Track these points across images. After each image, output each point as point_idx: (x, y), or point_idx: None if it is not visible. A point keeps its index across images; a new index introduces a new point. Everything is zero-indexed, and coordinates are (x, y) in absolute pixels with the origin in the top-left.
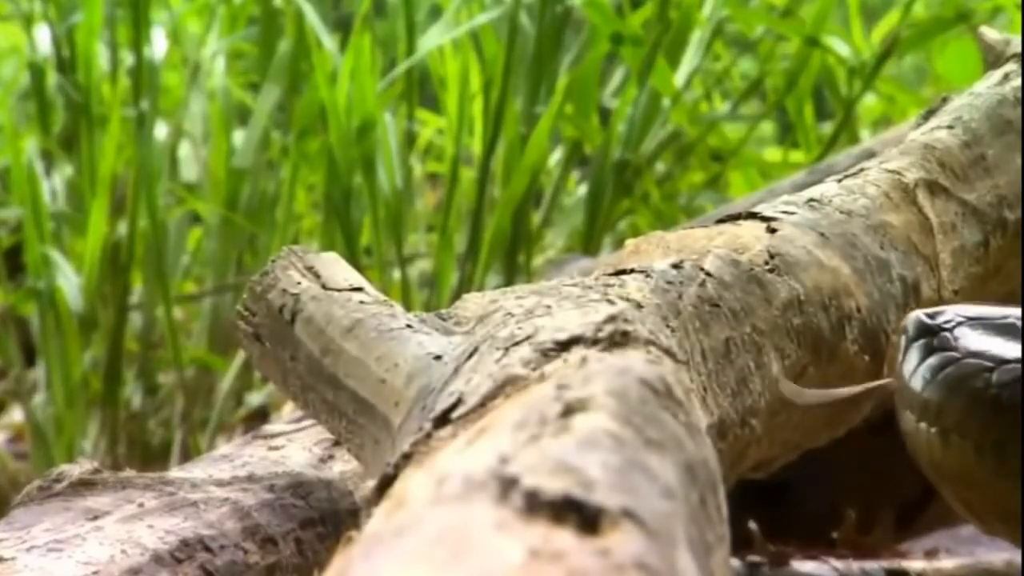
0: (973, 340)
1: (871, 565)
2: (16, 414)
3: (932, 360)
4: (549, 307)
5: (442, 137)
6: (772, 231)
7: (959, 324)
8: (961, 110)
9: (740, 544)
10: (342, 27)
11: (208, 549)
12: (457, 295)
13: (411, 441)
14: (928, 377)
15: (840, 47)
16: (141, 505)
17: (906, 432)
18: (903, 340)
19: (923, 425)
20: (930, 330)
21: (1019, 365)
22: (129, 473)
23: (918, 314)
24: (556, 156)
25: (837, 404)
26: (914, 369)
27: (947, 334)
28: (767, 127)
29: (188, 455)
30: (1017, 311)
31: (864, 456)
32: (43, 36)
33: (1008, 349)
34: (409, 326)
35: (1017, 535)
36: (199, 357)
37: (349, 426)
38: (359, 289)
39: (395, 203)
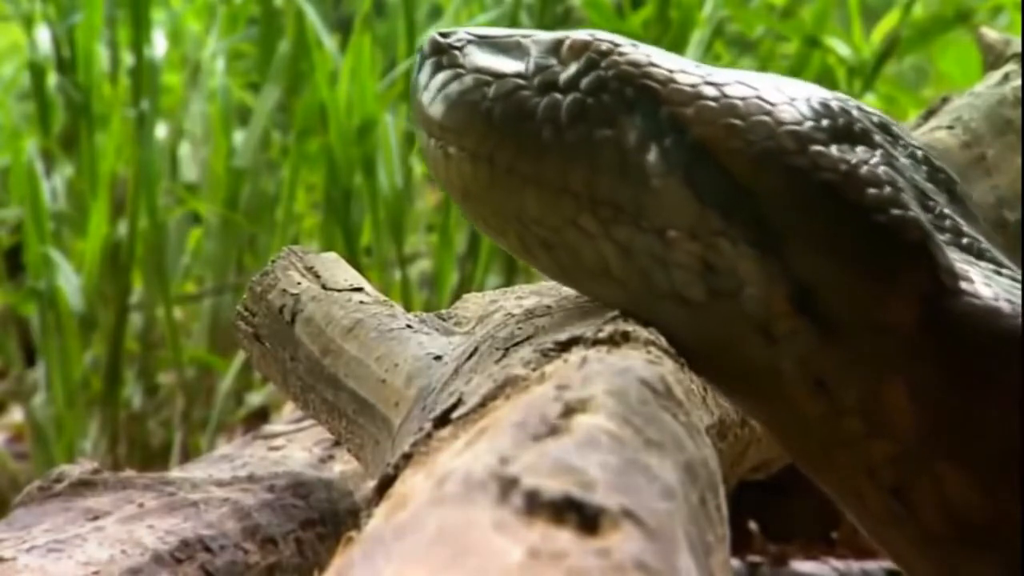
0: (479, 57)
1: (871, 565)
2: (16, 414)
3: (439, 77)
4: (549, 307)
5: None
6: None
7: (469, 43)
8: (961, 110)
9: (740, 544)
10: (342, 27)
11: (208, 549)
12: (457, 295)
13: (411, 441)
14: (434, 93)
15: (840, 47)
16: (141, 505)
17: (423, 151)
18: (418, 58)
19: (432, 142)
20: (440, 48)
21: (518, 80)
22: (129, 473)
23: (432, 33)
24: None
25: None
26: (424, 86)
27: (456, 52)
28: None
29: (188, 455)
30: (519, 31)
31: None
32: (43, 36)
33: (507, 65)
34: (409, 326)
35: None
36: (199, 357)
37: (349, 426)
38: (359, 289)
39: (395, 203)
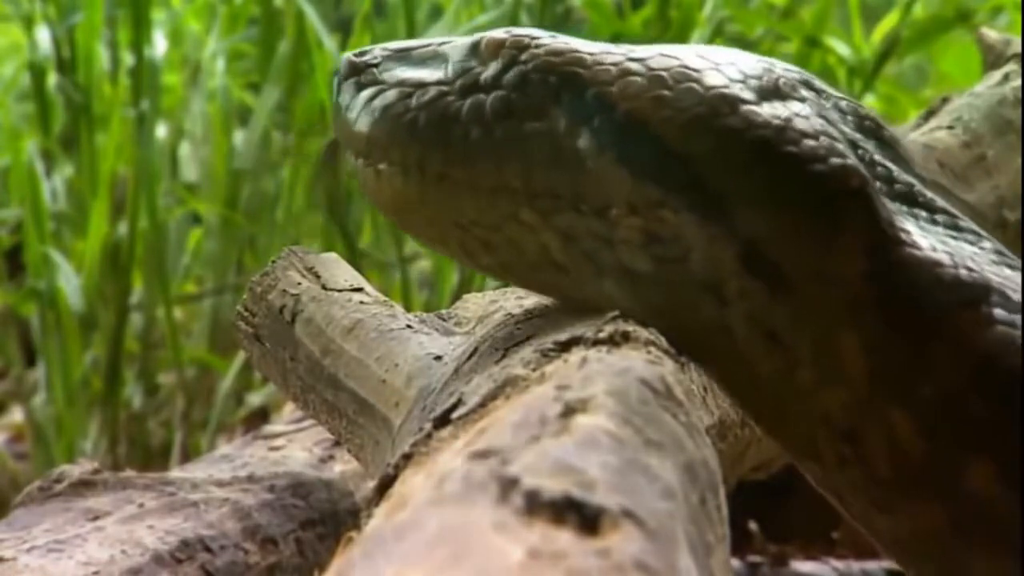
0: (398, 71)
1: (871, 565)
2: (16, 414)
3: (361, 95)
4: (549, 307)
5: None
6: None
7: (386, 58)
8: (961, 110)
9: (740, 544)
10: (342, 27)
11: (208, 549)
12: (457, 295)
13: (411, 441)
14: (358, 112)
15: (840, 47)
16: (141, 505)
17: (355, 175)
18: (336, 82)
19: (362, 162)
20: (358, 68)
21: (440, 86)
22: (129, 473)
23: (347, 55)
24: None
25: None
26: (347, 107)
27: (374, 69)
28: None
29: (188, 455)
30: (436, 40)
31: None
32: (43, 36)
33: (429, 74)
34: (409, 326)
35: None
36: (199, 357)
37: (349, 426)
38: (359, 290)
39: None
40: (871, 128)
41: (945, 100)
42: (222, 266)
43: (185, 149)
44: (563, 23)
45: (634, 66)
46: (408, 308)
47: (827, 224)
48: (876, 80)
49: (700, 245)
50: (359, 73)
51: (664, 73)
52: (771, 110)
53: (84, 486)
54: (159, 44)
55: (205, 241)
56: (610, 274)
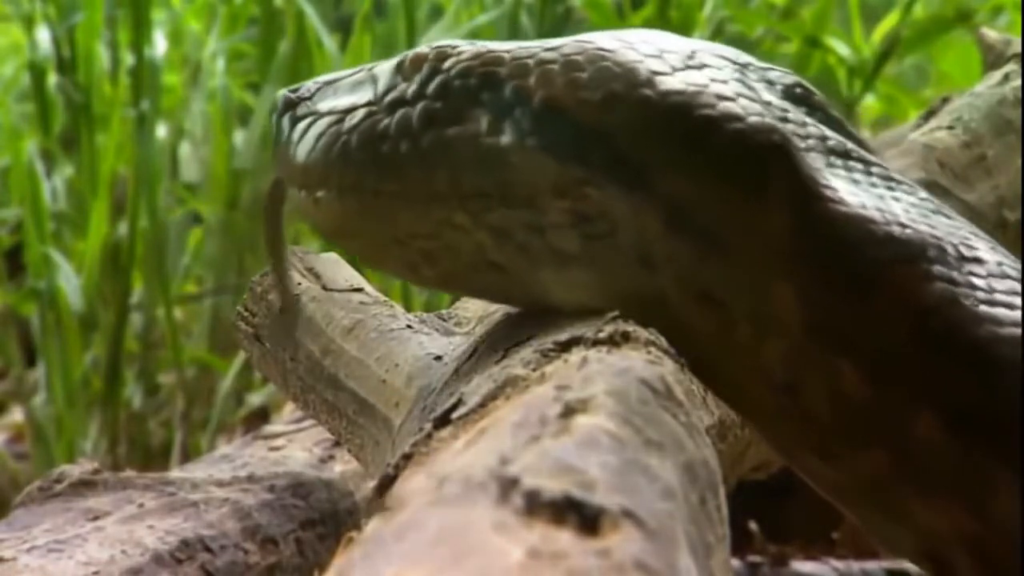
0: (329, 100)
1: (871, 565)
2: (16, 414)
3: (297, 128)
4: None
5: None
6: None
7: (318, 90)
8: (961, 110)
9: (740, 544)
10: (342, 27)
11: (208, 549)
12: (457, 295)
13: (411, 442)
14: (295, 144)
15: (840, 47)
16: (141, 505)
17: (297, 208)
18: (273, 120)
19: (304, 194)
20: (291, 103)
21: (369, 107)
22: (129, 473)
23: (282, 91)
24: None
25: None
26: (285, 141)
27: (307, 101)
28: None
29: (188, 455)
30: (367, 66)
31: None
32: (43, 36)
33: (356, 99)
34: (409, 326)
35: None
36: (199, 357)
37: (349, 427)
38: (359, 290)
39: None
40: (801, 95)
41: (945, 100)
42: (222, 266)
43: (185, 149)
44: (563, 23)
45: (549, 55)
46: (408, 308)
47: (749, 181)
48: (876, 80)
49: (625, 217)
50: (294, 107)
51: (579, 57)
52: (686, 77)
53: (84, 486)
54: (159, 44)
55: (205, 241)
56: (545, 263)
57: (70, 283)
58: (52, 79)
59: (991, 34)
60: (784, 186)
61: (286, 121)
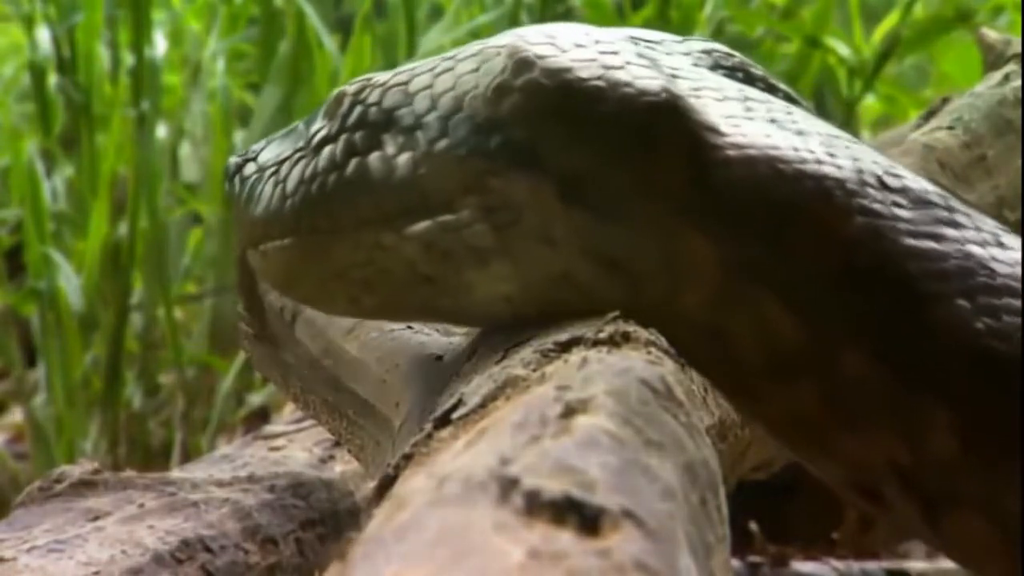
0: (271, 154)
1: (871, 565)
2: (16, 414)
3: (245, 189)
4: None
5: None
6: None
7: (261, 149)
8: (961, 110)
9: (740, 544)
10: (342, 27)
11: (209, 549)
12: None
13: (412, 442)
14: (244, 204)
15: (840, 47)
16: (142, 506)
17: (254, 266)
18: (227, 188)
19: (256, 250)
20: (239, 165)
21: (299, 152)
22: (130, 474)
23: (232, 158)
24: None
25: None
26: (235, 203)
27: (251, 161)
28: None
29: (188, 455)
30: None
31: None
32: (43, 36)
33: (292, 146)
34: (409, 327)
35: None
36: (199, 357)
37: (350, 427)
38: None
39: None
40: (718, 58)
41: (945, 100)
42: (223, 266)
43: (185, 149)
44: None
45: (447, 64)
46: None
47: (639, 142)
48: (876, 80)
49: (525, 199)
50: (241, 169)
51: (473, 57)
52: (575, 55)
53: (84, 486)
54: (159, 44)
55: (205, 241)
56: (467, 265)
57: (70, 283)
58: (52, 79)
59: (991, 34)
60: (675, 139)
61: (236, 183)
